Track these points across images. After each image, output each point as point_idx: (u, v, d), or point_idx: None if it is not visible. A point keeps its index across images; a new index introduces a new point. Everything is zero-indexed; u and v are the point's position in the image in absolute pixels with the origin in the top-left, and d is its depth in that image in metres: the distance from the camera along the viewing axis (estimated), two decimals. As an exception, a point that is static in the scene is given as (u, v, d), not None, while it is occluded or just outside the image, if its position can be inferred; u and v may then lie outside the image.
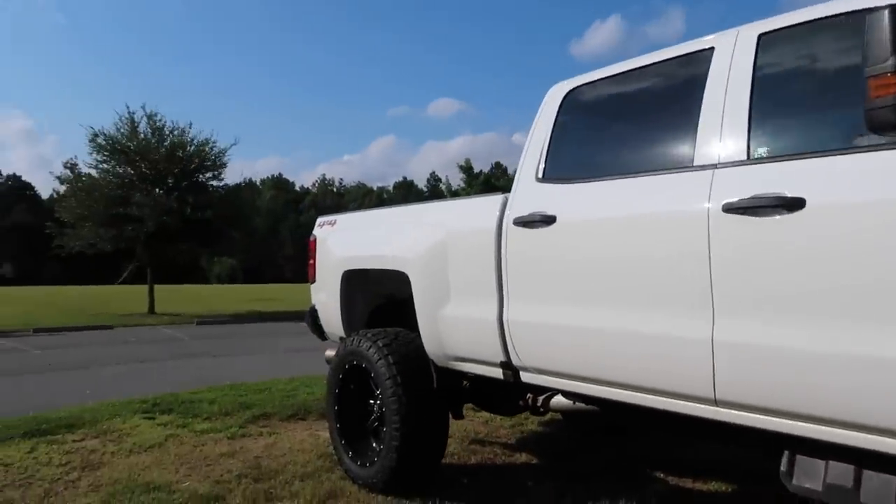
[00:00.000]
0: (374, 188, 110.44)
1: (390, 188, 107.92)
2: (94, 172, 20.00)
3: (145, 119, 19.81)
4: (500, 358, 2.95)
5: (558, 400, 3.35)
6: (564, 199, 2.68)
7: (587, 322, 2.50)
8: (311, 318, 4.45)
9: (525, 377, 2.92)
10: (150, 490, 3.79)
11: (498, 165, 43.79)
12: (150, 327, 17.08)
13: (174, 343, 13.52)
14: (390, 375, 3.40)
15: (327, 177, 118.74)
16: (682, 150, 2.33)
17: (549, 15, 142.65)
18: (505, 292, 2.88)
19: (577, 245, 2.57)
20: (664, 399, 2.31)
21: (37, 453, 4.69)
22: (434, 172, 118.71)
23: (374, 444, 3.78)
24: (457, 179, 35.66)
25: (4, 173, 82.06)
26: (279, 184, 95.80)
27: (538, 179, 2.84)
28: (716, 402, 2.15)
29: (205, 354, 11.54)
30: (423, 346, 3.61)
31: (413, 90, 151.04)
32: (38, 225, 23.14)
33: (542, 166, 2.84)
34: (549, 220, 2.67)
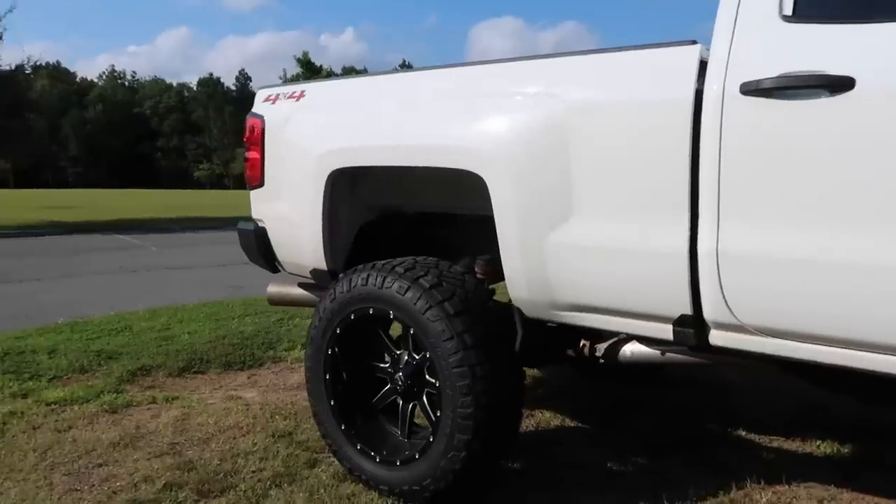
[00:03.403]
0: (174, 84, 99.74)
1: (193, 85, 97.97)
2: None
3: None
4: (682, 310, 1.87)
5: (634, 348, 2.38)
6: (862, 49, 1.59)
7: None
8: (256, 241, 2.98)
9: (718, 338, 1.87)
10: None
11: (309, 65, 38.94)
12: None
13: (-48, 264, 10.58)
14: (453, 334, 2.17)
15: (116, 69, 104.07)
16: None
17: None
18: (708, 207, 1.77)
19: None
20: None
21: None
22: (244, 70, 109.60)
23: (391, 430, 2.57)
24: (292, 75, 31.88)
25: None
26: (57, 73, 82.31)
27: (785, 18, 1.70)
28: None
29: (3, 279, 9.04)
30: (490, 288, 2.42)
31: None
32: None
33: (789, -5, 1.70)
34: (836, 85, 1.57)
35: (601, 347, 2.54)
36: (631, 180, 1.90)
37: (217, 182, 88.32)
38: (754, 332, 1.78)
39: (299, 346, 4.71)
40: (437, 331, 2.20)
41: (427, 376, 2.41)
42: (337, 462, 2.68)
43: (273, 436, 3.08)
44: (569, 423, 3.22)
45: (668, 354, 2.30)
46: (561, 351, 2.67)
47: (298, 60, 28.95)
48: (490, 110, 2.15)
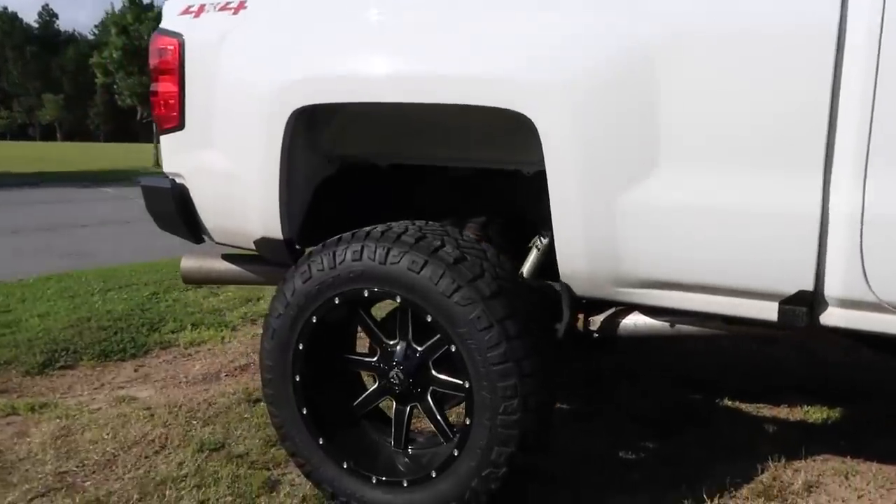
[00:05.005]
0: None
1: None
2: None
3: None
4: (800, 286, 1.52)
5: (637, 320, 2.08)
6: None
7: None
8: (175, 203, 2.26)
9: (835, 317, 1.55)
10: None
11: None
12: None
13: None
14: (492, 321, 1.69)
15: None
16: None
17: None
18: (852, 158, 1.42)
19: None
20: None
21: None
22: (48, 5, 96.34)
23: (381, 440, 2.06)
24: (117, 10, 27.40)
25: None
26: None
27: None
28: None
29: None
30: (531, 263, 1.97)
31: None
32: None
33: None
34: None
35: (597, 321, 2.18)
36: (743, 122, 1.51)
37: (20, 132, 78.02)
38: (893, 310, 1.48)
39: (190, 326, 3.96)
40: (469, 318, 1.70)
41: (433, 371, 1.91)
42: (304, 480, 2.13)
43: (201, 450, 2.43)
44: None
45: (678, 326, 2.00)
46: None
47: (125, -6, 25.36)
48: (545, 28, 1.64)
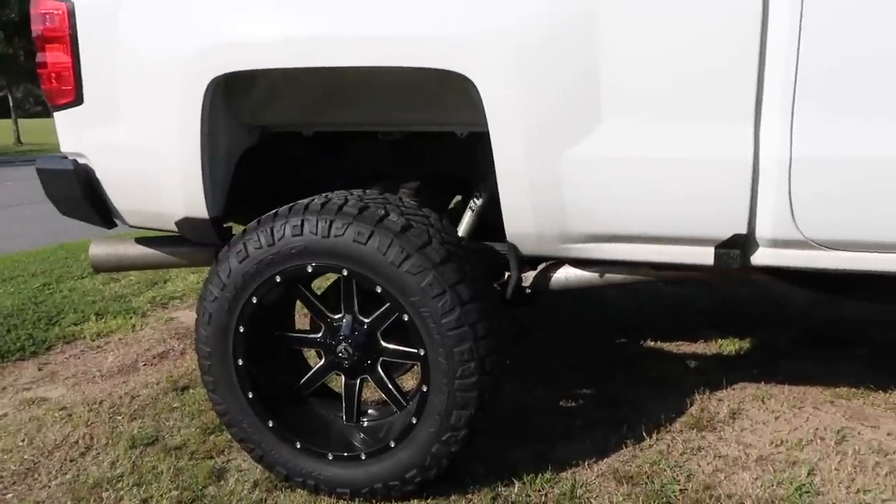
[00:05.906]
0: None
1: None
2: None
3: None
4: (735, 230, 1.60)
5: (568, 273, 2.16)
6: None
7: None
8: (80, 185, 2.07)
9: (764, 256, 1.65)
10: None
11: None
12: None
13: None
14: (444, 288, 1.68)
15: None
16: None
17: None
18: (779, 102, 1.50)
19: None
20: None
21: None
22: None
23: (331, 416, 2.02)
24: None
25: None
26: None
27: None
28: None
29: None
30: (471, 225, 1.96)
31: None
32: None
33: None
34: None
35: (529, 276, 2.23)
36: (681, 74, 1.55)
37: None
38: (818, 246, 1.60)
39: (94, 317, 3.70)
40: (422, 286, 1.68)
41: (383, 342, 1.89)
42: (251, 465, 2.07)
43: (133, 446, 2.30)
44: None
45: (607, 276, 2.08)
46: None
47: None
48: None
